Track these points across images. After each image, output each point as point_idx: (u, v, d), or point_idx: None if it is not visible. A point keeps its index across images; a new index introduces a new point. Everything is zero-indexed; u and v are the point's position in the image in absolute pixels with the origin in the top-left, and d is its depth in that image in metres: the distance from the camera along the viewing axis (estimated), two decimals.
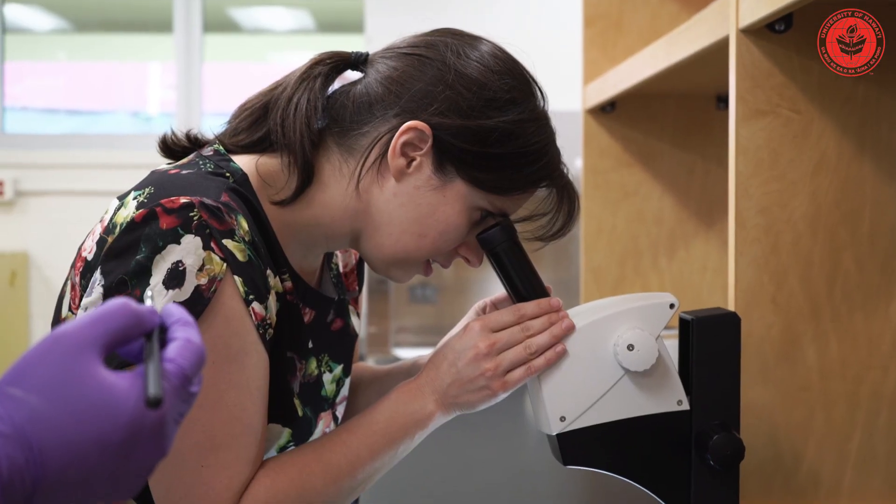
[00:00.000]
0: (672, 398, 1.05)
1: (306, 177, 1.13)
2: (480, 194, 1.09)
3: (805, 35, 1.21)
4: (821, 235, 1.25)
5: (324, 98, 1.15)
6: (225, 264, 1.02)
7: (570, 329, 1.05)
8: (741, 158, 1.24)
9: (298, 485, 1.04)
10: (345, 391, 1.29)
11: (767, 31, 1.20)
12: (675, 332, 1.12)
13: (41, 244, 4.48)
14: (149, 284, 0.99)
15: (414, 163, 1.10)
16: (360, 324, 1.36)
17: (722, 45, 1.26)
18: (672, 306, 1.05)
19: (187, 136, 1.21)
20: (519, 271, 1.04)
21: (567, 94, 2.82)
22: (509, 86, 1.14)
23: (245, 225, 1.05)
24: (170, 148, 1.21)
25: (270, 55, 5.24)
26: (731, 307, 1.23)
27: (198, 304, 1.00)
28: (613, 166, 2.12)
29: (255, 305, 1.05)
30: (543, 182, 1.14)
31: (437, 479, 1.55)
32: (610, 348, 1.03)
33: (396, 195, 1.11)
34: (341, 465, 1.06)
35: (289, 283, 1.13)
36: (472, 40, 1.19)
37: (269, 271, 1.08)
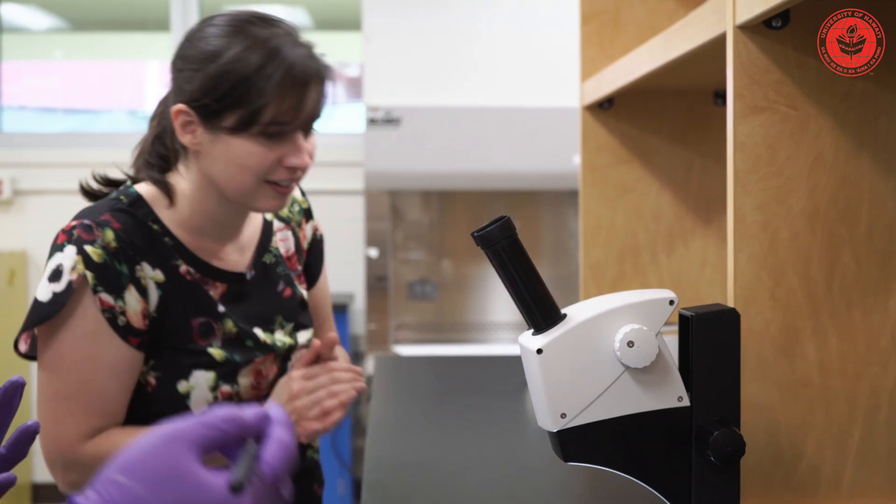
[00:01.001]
0: (672, 394, 1.05)
1: (166, 187, 1.60)
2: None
3: (802, 31, 1.21)
4: (819, 232, 1.25)
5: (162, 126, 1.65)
6: (83, 264, 1.49)
7: (363, 390, 1.60)
8: (739, 154, 1.24)
9: None
10: (302, 341, 1.71)
11: (764, 27, 1.20)
12: (675, 328, 1.12)
13: (39, 243, 4.48)
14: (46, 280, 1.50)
15: (196, 133, 1.54)
16: (327, 291, 1.89)
17: (719, 42, 1.27)
18: (672, 303, 1.05)
19: (103, 178, 1.70)
20: (518, 268, 1.04)
21: (565, 91, 2.83)
22: (215, 40, 1.53)
23: (110, 235, 1.51)
24: (87, 191, 1.68)
25: None
26: (730, 303, 1.23)
27: (66, 294, 1.49)
28: (611, 162, 2.12)
29: (103, 295, 1.50)
30: (281, 88, 1.51)
31: (437, 478, 1.55)
32: (610, 345, 1.03)
33: (208, 159, 1.55)
34: None
35: (184, 268, 1.58)
36: (202, 24, 1.60)
37: (143, 266, 1.54)
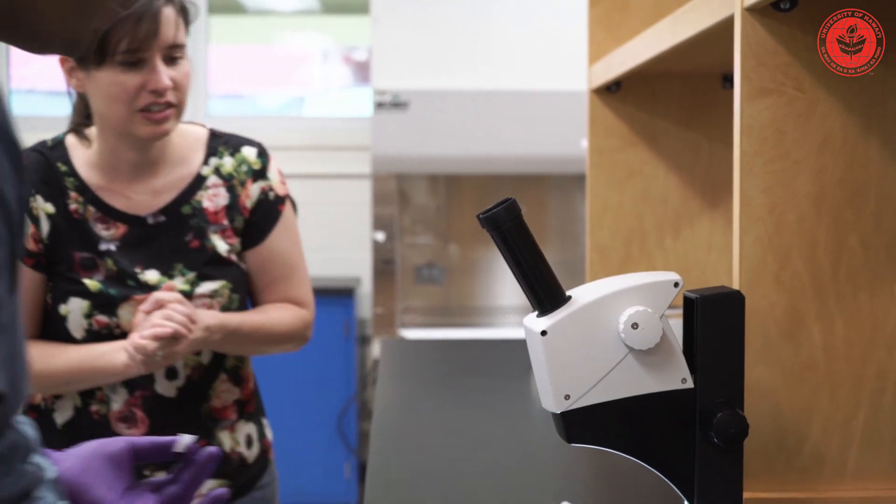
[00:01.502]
0: (676, 376, 1.05)
1: (82, 133, 1.84)
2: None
3: (810, 13, 1.21)
4: (825, 215, 1.25)
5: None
6: None
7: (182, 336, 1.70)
8: (746, 137, 1.24)
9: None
10: (201, 291, 1.80)
11: (772, 9, 1.20)
12: (680, 311, 1.12)
13: None
14: None
15: (77, 76, 1.74)
16: (284, 252, 1.97)
17: (727, 24, 1.26)
18: (676, 285, 1.05)
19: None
20: (523, 251, 1.04)
21: (572, 75, 2.82)
22: None
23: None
24: None
25: (276, 36, 5.23)
26: (735, 286, 1.23)
27: None
28: (619, 146, 2.12)
29: None
30: (131, 18, 1.66)
31: (443, 461, 1.56)
32: (614, 327, 1.03)
33: (92, 98, 1.75)
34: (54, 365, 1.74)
35: (74, 206, 1.78)
36: None
37: (37, 198, 1.77)
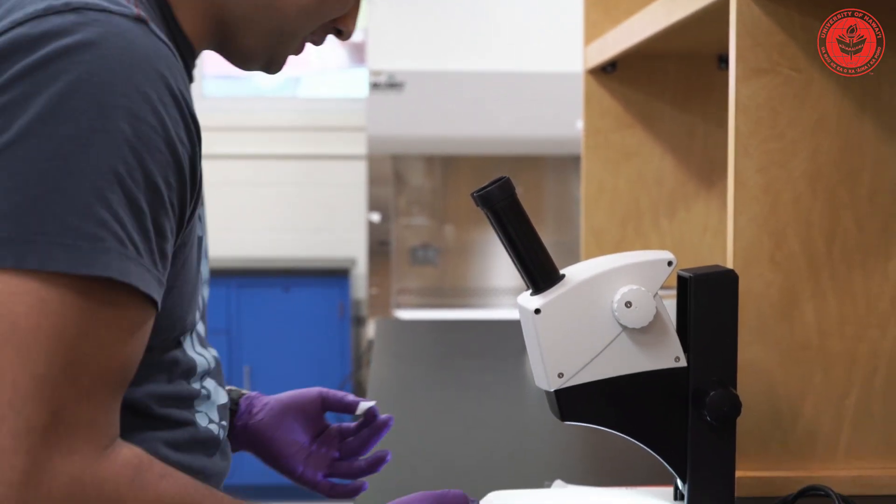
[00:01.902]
0: (669, 355, 1.05)
1: None
2: None
3: None
4: (820, 194, 1.25)
5: None
6: None
7: None
8: (741, 117, 1.24)
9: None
10: None
11: None
12: (674, 291, 1.12)
13: None
14: None
15: None
16: None
17: (722, 4, 1.26)
18: (670, 264, 1.05)
19: None
20: (517, 229, 1.04)
21: (568, 56, 2.82)
22: None
23: None
24: None
25: None
26: (729, 265, 1.23)
27: None
28: (614, 127, 2.12)
29: None
30: None
31: (437, 440, 1.56)
32: (608, 305, 1.03)
33: None
34: None
35: None
36: None
37: None
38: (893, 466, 1.27)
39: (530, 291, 1.06)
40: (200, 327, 1.04)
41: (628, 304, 1.02)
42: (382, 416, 1.23)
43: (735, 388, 1.06)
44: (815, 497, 1.07)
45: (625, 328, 1.03)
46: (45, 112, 0.75)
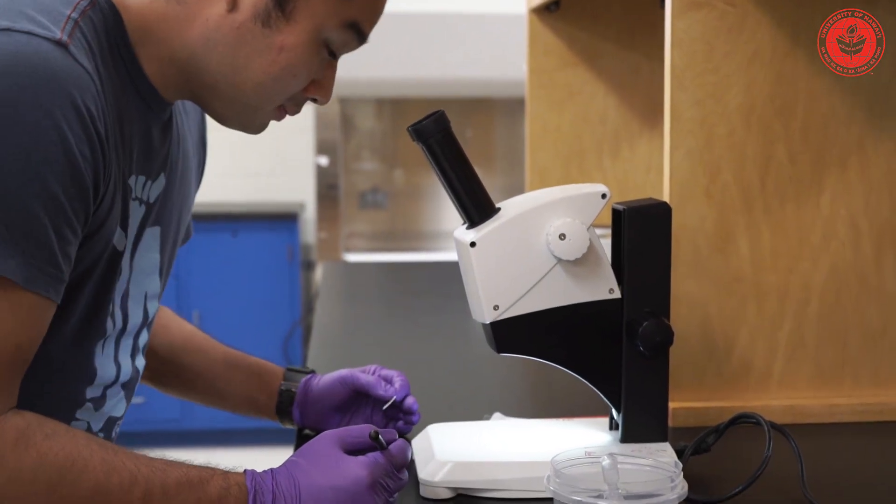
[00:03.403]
0: (604, 287, 1.06)
1: None
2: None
3: None
4: (755, 128, 1.26)
5: None
6: None
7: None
8: (676, 51, 1.24)
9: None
10: None
11: None
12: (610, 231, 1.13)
13: None
14: None
15: None
16: None
17: None
18: (604, 196, 1.05)
19: None
20: (452, 162, 1.04)
21: None
22: None
23: None
24: None
25: None
26: (665, 199, 1.24)
27: None
28: (558, 66, 2.12)
29: None
30: None
31: None
32: (542, 238, 1.04)
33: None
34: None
35: None
36: None
37: None
38: (824, 395, 1.30)
39: (466, 225, 1.06)
40: (143, 337, 1.09)
41: (562, 237, 1.03)
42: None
43: (668, 319, 1.07)
44: (746, 424, 1.08)
45: (559, 260, 1.04)
46: None
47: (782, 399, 1.29)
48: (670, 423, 1.24)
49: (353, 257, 4.05)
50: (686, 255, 1.26)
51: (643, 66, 2.13)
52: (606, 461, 0.86)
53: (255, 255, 4.07)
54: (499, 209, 1.06)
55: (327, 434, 1.00)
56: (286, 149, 4.56)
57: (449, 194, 1.06)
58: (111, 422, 1.08)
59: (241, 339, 4.14)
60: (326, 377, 1.24)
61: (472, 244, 1.04)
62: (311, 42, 0.99)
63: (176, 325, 1.29)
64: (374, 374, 1.23)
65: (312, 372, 1.27)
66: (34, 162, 0.84)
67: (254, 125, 1.05)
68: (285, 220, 4.15)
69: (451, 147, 1.04)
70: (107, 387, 1.05)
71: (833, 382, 1.30)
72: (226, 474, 0.93)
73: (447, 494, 1.03)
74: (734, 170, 1.26)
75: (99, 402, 1.04)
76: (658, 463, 0.92)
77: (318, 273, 3.76)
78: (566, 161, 2.15)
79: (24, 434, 0.85)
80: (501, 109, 4.35)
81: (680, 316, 1.23)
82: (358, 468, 0.95)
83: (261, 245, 4.08)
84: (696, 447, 1.08)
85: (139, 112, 0.99)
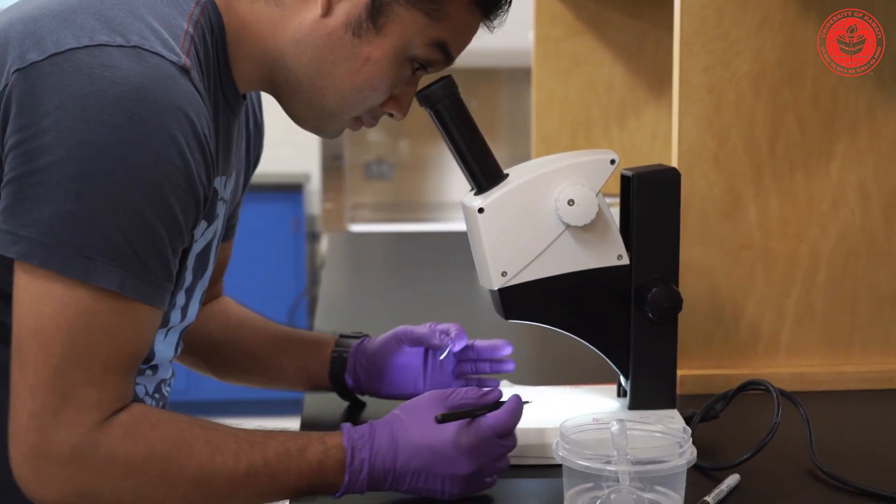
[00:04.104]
0: (612, 253, 1.06)
1: None
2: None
3: None
4: (764, 95, 1.25)
5: None
6: None
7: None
8: (685, 17, 1.23)
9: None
10: None
11: None
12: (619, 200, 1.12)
13: None
14: None
15: None
16: None
17: None
18: (613, 162, 1.05)
19: None
20: (461, 128, 1.03)
21: None
22: None
23: None
24: None
25: None
26: (674, 165, 1.23)
27: None
28: (565, 34, 2.11)
29: None
30: None
31: None
32: (551, 204, 1.03)
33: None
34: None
35: None
36: None
37: None
38: (833, 363, 1.30)
39: (474, 192, 1.06)
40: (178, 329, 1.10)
41: (571, 202, 1.02)
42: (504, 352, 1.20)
43: (677, 285, 1.07)
44: (754, 391, 1.08)
45: (568, 226, 1.04)
46: (89, 139, 0.85)
47: (790, 366, 1.29)
48: (678, 390, 1.24)
49: (358, 228, 4.05)
50: (694, 222, 1.26)
51: (649, 35, 2.12)
52: (615, 427, 0.86)
53: (261, 226, 4.06)
54: (507, 175, 1.06)
55: (434, 393, 0.99)
56: (290, 120, 4.55)
57: (457, 160, 1.06)
58: (162, 384, 1.10)
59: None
60: (380, 337, 1.22)
61: (481, 210, 1.03)
62: (397, 57, 1.00)
63: (234, 311, 1.29)
64: (429, 328, 1.20)
65: (366, 336, 1.24)
66: (160, 185, 0.88)
67: (328, 130, 1.08)
68: (290, 191, 4.14)
69: (459, 112, 1.04)
70: (161, 364, 1.08)
71: (841, 349, 1.30)
72: (323, 438, 0.95)
73: None
74: (743, 136, 1.25)
75: (150, 372, 1.07)
76: (667, 429, 0.92)
77: (324, 244, 3.76)
78: (572, 130, 2.14)
79: (130, 428, 0.89)
80: (507, 80, 4.33)
81: (688, 283, 1.23)
82: (457, 433, 0.95)
83: (266, 216, 4.07)
84: (704, 414, 1.08)
85: (224, 115, 1.03)
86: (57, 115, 0.86)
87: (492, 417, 0.97)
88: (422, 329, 1.19)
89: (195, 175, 0.91)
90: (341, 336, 1.24)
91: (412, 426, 0.96)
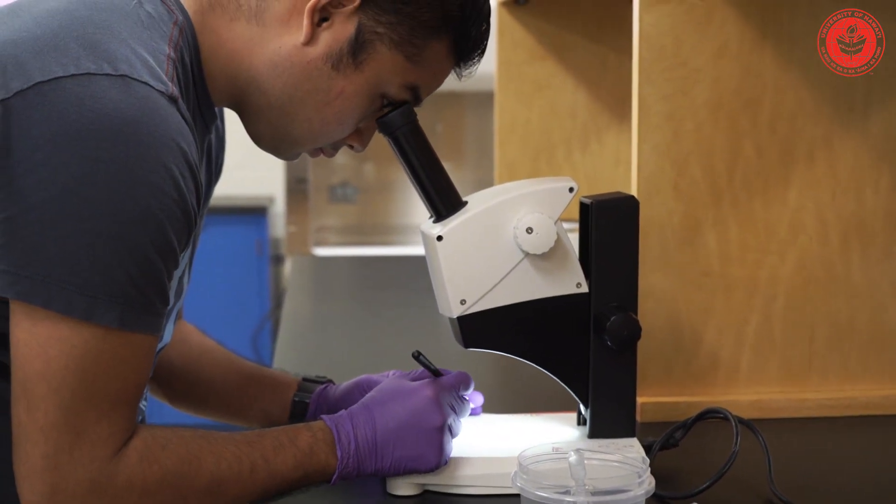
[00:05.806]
0: (571, 281, 1.06)
1: None
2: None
3: None
4: (722, 122, 1.26)
5: None
6: None
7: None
8: (644, 45, 1.24)
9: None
10: None
11: None
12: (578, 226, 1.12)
13: None
14: None
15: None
16: None
17: None
18: (571, 190, 1.05)
19: None
20: (419, 155, 1.03)
21: None
22: None
23: None
24: None
25: None
26: (633, 194, 1.24)
27: None
28: (527, 59, 2.11)
29: None
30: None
31: (346, 374, 1.56)
32: (510, 232, 1.03)
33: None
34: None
35: None
36: None
37: None
38: (791, 390, 1.30)
39: (433, 219, 1.05)
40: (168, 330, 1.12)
41: (529, 230, 1.02)
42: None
43: (636, 313, 1.07)
44: (713, 419, 1.08)
45: (527, 254, 1.03)
46: (85, 175, 0.84)
47: (750, 394, 1.29)
48: (638, 418, 1.24)
49: (322, 251, 4.04)
50: (654, 249, 1.26)
51: (611, 60, 2.13)
52: (573, 457, 0.86)
53: (224, 249, 4.04)
54: (466, 203, 1.05)
55: (392, 373, 1.13)
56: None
57: (415, 187, 1.05)
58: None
59: (210, 333, 4.13)
60: (342, 385, 1.20)
61: (439, 238, 1.03)
62: (369, 94, 1.00)
63: (196, 340, 1.28)
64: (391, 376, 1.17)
65: (329, 381, 1.23)
66: (160, 220, 0.88)
67: (286, 154, 1.08)
68: (254, 213, 4.12)
69: (417, 140, 1.03)
70: None
71: (800, 377, 1.30)
72: (308, 425, 1.01)
73: (413, 491, 1.03)
74: (702, 164, 1.26)
75: None
76: (625, 458, 0.92)
77: (288, 267, 3.75)
78: (535, 155, 2.15)
79: (144, 454, 0.91)
80: (471, 103, 4.34)
81: (648, 310, 1.23)
82: (423, 388, 1.03)
83: (229, 239, 4.04)
84: (663, 442, 1.08)
85: (201, 133, 1.02)
86: (48, 149, 0.84)
87: (452, 374, 1.07)
88: (384, 378, 1.16)
89: (189, 205, 0.91)
90: (304, 380, 1.22)
91: (383, 397, 1.03)
